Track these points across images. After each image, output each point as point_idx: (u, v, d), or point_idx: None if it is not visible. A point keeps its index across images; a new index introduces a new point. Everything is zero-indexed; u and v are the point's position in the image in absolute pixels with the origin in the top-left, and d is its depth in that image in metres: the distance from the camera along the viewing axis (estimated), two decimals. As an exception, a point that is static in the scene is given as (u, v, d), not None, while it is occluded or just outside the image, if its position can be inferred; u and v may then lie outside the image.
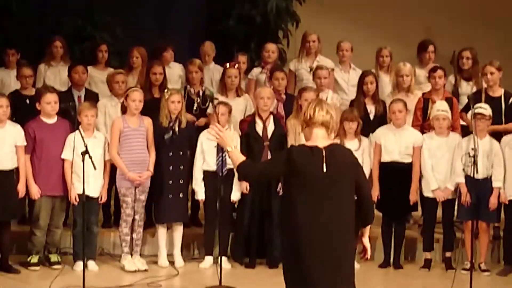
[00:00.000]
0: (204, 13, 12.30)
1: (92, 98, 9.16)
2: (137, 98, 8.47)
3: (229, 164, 8.51)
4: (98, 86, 9.77)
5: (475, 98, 8.80)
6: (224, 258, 8.34)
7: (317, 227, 5.21)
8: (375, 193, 8.73)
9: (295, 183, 5.26)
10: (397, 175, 8.70)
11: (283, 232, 5.47)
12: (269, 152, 8.66)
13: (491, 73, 9.10)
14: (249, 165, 5.39)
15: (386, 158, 8.75)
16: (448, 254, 8.84)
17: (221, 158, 8.45)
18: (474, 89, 9.49)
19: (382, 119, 9.22)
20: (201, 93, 9.39)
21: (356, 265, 8.69)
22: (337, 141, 8.60)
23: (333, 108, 5.49)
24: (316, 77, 9.51)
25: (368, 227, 5.45)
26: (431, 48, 10.08)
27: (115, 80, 9.11)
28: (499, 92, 9.15)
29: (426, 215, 8.92)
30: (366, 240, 5.50)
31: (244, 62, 10.09)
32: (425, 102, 9.17)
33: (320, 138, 5.35)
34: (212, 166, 8.60)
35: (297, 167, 5.24)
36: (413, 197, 8.72)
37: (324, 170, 5.24)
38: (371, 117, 9.26)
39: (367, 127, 9.00)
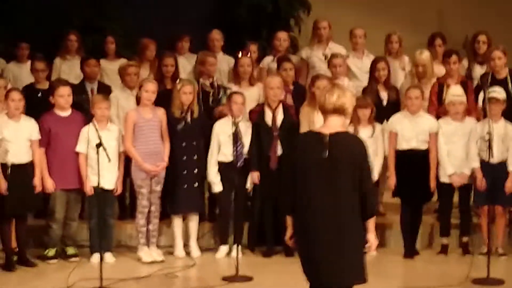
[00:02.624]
0: (215, 3, 12.28)
1: (105, 90, 9.17)
2: (150, 89, 8.47)
3: (245, 155, 8.53)
4: (109, 77, 9.79)
5: (481, 81, 8.77)
6: (237, 248, 8.35)
7: (315, 212, 5.24)
8: (392, 182, 8.70)
9: (299, 169, 5.30)
10: (415, 162, 8.65)
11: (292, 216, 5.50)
12: (279, 142, 8.65)
13: (499, 58, 9.07)
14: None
15: (403, 145, 8.69)
16: (465, 239, 8.81)
17: (237, 148, 8.45)
18: (488, 73, 9.44)
19: (395, 105, 9.19)
20: (215, 85, 9.36)
21: (372, 252, 8.81)
22: (351, 128, 8.61)
23: (347, 92, 5.40)
24: (331, 66, 9.47)
25: (372, 222, 5.33)
26: (438, 41, 9.94)
27: (127, 72, 9.12)
28: (504, 73, 9.10)
29: (443, 200, 8.88)
30: (369, 235, 5.36)
31: (255, 51, 10.07)
32: (440, 87, 9.14)
33: (332, 125, 5.32)
34: (228, 157, 8.58)
35: (300, 153, 5.30)
36: (433, 184, 8.67)
37: (326, 156, 5.24)
38: (384, 103, 9.24)
39: (380, 114, 8.97)
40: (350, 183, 5.23)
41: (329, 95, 5.34)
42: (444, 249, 8.80)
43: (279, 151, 8.68)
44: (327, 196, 5.23)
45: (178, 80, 8.81)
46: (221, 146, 8.64)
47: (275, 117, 8.72)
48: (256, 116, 8.77)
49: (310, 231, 5.26)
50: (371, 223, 5.34)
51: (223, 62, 9.96)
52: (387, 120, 8.91)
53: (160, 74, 9.26)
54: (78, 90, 8.95)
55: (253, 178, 8.67)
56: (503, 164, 8.56)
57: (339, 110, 5.33)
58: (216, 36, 10.18)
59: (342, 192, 5.23)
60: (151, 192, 8.50)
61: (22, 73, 9.82)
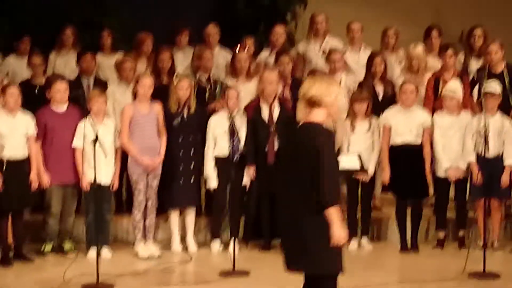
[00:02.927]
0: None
1: (101, 85, 9.18)
2: (147, 84, 8.48)
3: (242, 149, 8.53)
4: (106, 72, 9.79)
5: (478, 76, 8.78)
6: (234, 242, 8.36)
7: (279, 201, 5.41)
8: (386, 176, 8.71)
9: None
10: (409, 157, 8.66)
11: None
12: (276, 138, 8.65)
13: (496, 53, 9.08)
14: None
15: (397, 140, 8.70)
16: (461, 232, 8.83)
17: (233, 143, 8.46)
18: (485, 67, 9.45)
19: (391, 100, 9.20)
20: (212, 80, 9.36)
21: (369, 246, 8.86)
22: (347, 122, 8.63)
23: (316, 83, 5.37)
24: (329, 61, 9.46)
25: (333, 214, 5.19)
26: (434, 34, 9.94)
27: (123, 67, 9.14)
28: (501, 67, 9.11)
29: (439, 194, 8.90)
30: (333, 228, 5.21)
31: (251, 45, 10.08)
32: (436, 81, 9.15)
33: (310, 116, 5.34)
34: (224, 151, 8.60)
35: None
36: (429, 178, 8.67)
37: (289, 145, 5.36)
38: (380, 98, 9.24)
39: (376, 108, 8.98)
40: (306, 174, 5.20)
41: (303, 87, 5.39)
42: (440, 243, 8.82)
43: (276, 145, 8.69)
44: (287, 187, 5.31)
45: (175, 76, 8.82)
46: (217, 141, 8.64)
47: (271, 111, 8.72)
48: (252, 111, 8.77)
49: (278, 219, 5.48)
50: (332, 215, 5.20)
51: (219, 56, 9.96)
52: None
53: (157, 69, 9.27)
54: (75, 85, 8.96)
55: (249, 173, 8.68)
56: (499, 158, 8.57)
57: (311, 102, 5.33)
58: (212, 31, 10.18)
59: (299, 183, 5.24)
60: (147, 187, 8.51)
61: (22, 67, 9.79)
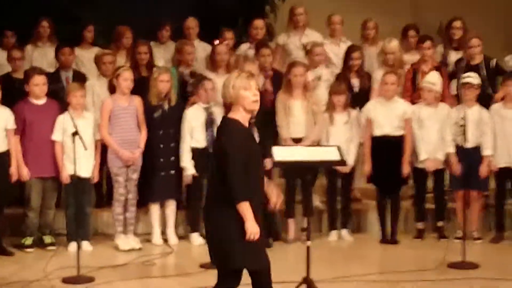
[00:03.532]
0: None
1: (80, 78, 9.16)
2: (128, 77, 8.47)
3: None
4: (85, 65, 9.76)
5: (456, 67, 8.83)
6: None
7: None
8: (367, 168, 8.75)
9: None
10: (389, 149, 8.68)
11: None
12: (254, 128, 8.65)
13: (478, 45, 9.13)
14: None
15: (377, 132, 8.73)
16: (439, 223, 8.89)
17: (211, 133, 8.45)
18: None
19: (367, 92, 9.22)
20: (195, 74, 9.34)
21: (349, 238, 8.90)
22: (326, 115, 8.66)
23: (225, 81, 5.41)
24: (313, 54, 9.42)
25: (244, 209, 5.17)
26: (411, 33, 9.96)
27: (103, 61, 9.12)
28: (479, 59, 9.17)
29: (417, 185, 8.94)
30: (246, 224, 5.19)
31: (231, 38, 10.08)
32: (414, 72, 9.19)
33: (230, 112, 5.39)
34: (201, 143, 8.60)
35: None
36: (406, 169, 8.69)
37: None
38: (356, 90, 9.25)
39: (352, 101, 8.98)
40: (220, 170, 5.25)
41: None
42: (420, 234, 8.88)
43: (256, 138, 8.67)
44: (210, 183, 5.51)
45: (155, 68, 8.80)
46: (194, 133, 8.61)
47: (251, 104, 8.70)
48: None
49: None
50: (244, 211, 5.19)
51: (199, 49, 9.94)
52: (359, 107, 8.94)
53: (135, 62, 9.25)
54: (53, 79, 8.93)
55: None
56: (477, 149, 8.63)
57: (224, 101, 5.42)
58: (191, 24, 10.18)
59: (213, 179, 5.33)
60: (127, 180, 8.50)
61: (5, 61, 9.73)
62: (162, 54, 9.77)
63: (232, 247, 5.25)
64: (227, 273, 5.37)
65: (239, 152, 5.22)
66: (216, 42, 9.44)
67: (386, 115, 8.71)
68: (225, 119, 5.40)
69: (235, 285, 5.40)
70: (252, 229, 5.21)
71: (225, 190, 5.20)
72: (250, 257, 5.29)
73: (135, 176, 8.54)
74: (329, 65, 9.79)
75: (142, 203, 8.86)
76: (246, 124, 5.38)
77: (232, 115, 5.35)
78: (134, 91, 8.57)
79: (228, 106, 5.42)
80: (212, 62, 9.40)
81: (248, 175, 5.21)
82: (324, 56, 9.62)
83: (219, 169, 5.26)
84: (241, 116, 5.34)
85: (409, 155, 8.72)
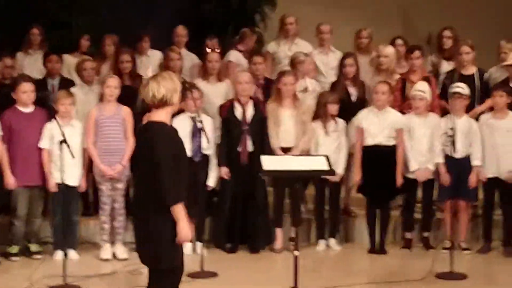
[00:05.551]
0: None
1: (67, 86, 9.12)
2: (112, 84, 8.44)
3: (204, 150, 8.47)
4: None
5: (448, 77, 8.83)
6: (201, 244, 8.34)
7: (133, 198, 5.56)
8: (357, 177, 8.73)
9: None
10: (381, 159, 8.65)
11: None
12: (248, 137, 8.64)
13: (467, 53, 9.15)
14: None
15: (369, 141, 8.70)
16: (425, 234, 8.86)
17: (196, 143, 8.40)
18: (456, 69, 9.50)
19: (364, 101, 9.22)
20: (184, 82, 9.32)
21: (337, 247, 8.87)
22: (319, 124, 8.64)
23: (162, 82, 5.42)
24: (298, 64, 9.37)
25: (177, 213, 5.26)
26: (398, 41, 9.96)
27: (83, 67, 9.12)
28: (472, 70, 9.19)
29: (407, 195, 8.92)
30: (179, 226, 5.28)
31: (217, 46, 10.05)
32: (403, 82, 9.19)
33: (154, 115, 5.42)
34: (187, 152, 8.54)
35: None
36: (399, 179, 8.66)
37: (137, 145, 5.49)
38: (353, 99, 9.24)
39: (349, 110, 8.98)
40: (151, 173, 5.28)
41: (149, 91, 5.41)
42: (408, 244, 8.84)
43: (250, 146, 8.67)
44: (138, 186, 5.46)
45: (143, 78, 8.76)
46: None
47: (245, 111, 8.69)
48: (226, 111, 8.75)
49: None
50: (178, 213, 5.26)
51: (187, 59, 9.93)
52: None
53: (118, 71, 9.21)
54: (40, 86, 8.89)
55: (222, 173, 8.65)
56: (466, 159, 8.62)
57: (162, 104, 5.41)
58: (182, 32, 10.21)
59: (145, 182, 5.35)
60: (113, 190, 8.46)
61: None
62: (145, 64, 9.72)
63: (164, 248, 5.33)
64: (158, 273, 5.45)
65: (172, 155, 5.30)
66: (208, 50, 9.41)
67: (378, 124, 8.68)
68: (154, 122, 5.43)
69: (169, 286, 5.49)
70: (187, 232, 5.29)
71: (158, 193, 5.24)
72: (176, 257, 5.43)
73: (120, 186, 8.48)
74: (318, 75, 9.78)
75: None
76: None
77: (159, 118, 5.41)
78: (118, 100, 8.51)
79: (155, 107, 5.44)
80: (204, 70, 9.38)
81: (179, 176, 5.28)
82: (311, 67, 9.60)
83: (149, 172, 5.29)
84: (168, 120, 5.45)
85: (402, 166, 8.68)
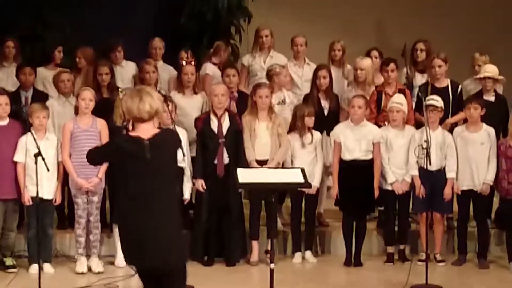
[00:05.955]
0: (155, 11, 12.22)
1: (40, 98, 9.09)
2: (87, 97, 8.41)
3: (179, 163, 8.42)
4: (52, 86, 9.66)
5: (422, 90, 8.89)
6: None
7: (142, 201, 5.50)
8: (334, 191, 8.73)
9: (126, 168, 5.54)
10: (358, 173, 8.65)
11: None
12: (224, 150, 8.63)
13: (439, 66, 9.22)
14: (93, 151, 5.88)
15: (346, 156, 8.70)
16: (401, 246, 8.88)
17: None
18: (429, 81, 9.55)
19: (336, 114, 9.24)
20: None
21: (313, 260, 8.86)
22: (295, 135, 8.66)
23: (153, 94, 5.61)
24: (275, 76, 9.38)
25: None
26: (374, 53, 9.98)
27: (60, 79, 9.10)
28: (445, 83, 9.26)
29: (386, 208, 8.93)
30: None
31: (189, 58, 10.03)
32: (378, 95, 9.22)
33: (145, 130, 5.55)
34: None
35: (125, 154, 5.51)
36: (376, 192, 8.67)
37: (148, 157, 5.49)
38: (326, 112, 9.27)
39: (322, 123, 9.00)
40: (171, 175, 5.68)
41: (140, 105, 5.51)
42: (390, 258, 8.79)
43: (226, 159, 8.66)
44: (150, 196, 5.49)
45: (120, 89, 8.73)
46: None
47: (220, 124, 8.68)
48: (202, 123, 8.73)
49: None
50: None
51: (163, 72, 9.91)
52: (328, 129, 8.95)
53: (96, 83, 9.17)
54: (14, 99, 8.82)
55: (197, 185, 8.63)
56: (441, 171, 8.66)
57: (151, 117, 5.57)
58: (158, 44, 10.19)
59: (167, 191, 5.57)
60: (88, 203, 8.42)
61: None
62: (120, 74, 9.69)
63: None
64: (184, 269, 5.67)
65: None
66: (183, 62, 9.38)
67: (355, 139, 8.67)
68: (164, 129, 5.88)
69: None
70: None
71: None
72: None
73: (96, 199, 8.45)
74: (293, 87, 9.80)
75: (107, 225, 8.78)
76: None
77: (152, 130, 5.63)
78: (97, 113, 8.49)
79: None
80: (179, 83, 9.36)
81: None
82: (288, 79, 9.62)
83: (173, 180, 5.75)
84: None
85: (379, 179, 8.70)
